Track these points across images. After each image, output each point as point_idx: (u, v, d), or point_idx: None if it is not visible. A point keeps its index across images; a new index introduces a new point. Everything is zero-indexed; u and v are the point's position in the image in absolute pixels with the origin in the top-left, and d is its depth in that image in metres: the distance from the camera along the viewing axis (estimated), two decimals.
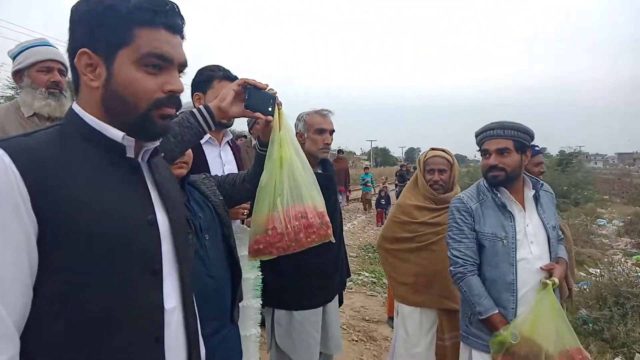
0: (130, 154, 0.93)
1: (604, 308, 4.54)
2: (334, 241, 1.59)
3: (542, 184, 2.16)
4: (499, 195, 2.06)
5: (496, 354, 1.93)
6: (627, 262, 8.98)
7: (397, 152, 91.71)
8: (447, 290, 2.50)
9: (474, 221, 2.06)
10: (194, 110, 1.40)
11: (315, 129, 2.33)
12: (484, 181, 2.14)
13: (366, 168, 17.63)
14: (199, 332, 1.10)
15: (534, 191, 2.10)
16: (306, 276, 2.24)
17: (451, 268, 2.08)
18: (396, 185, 13.42)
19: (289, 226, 1.46)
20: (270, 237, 1.47)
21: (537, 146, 2.91)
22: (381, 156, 71.97)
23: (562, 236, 2.25)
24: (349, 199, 16.26)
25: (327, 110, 2.38)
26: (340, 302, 2.63)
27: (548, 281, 1.94)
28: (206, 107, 1.40)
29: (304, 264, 2.19)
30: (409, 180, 11.61)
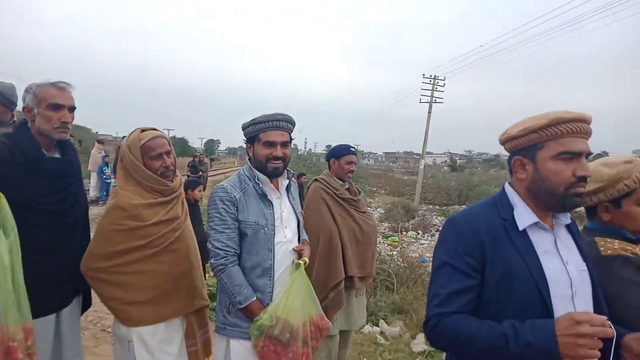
0: None
1: None
2: None
3: (293, 174, 2.28)
4: (260, 184, 2.09)
5: (257, 339, 1.97)
6: (384, 243, 10.76)
7: (197, 143, 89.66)
8: (195, 289, 2.26)
9: (237, 210, 2.04)
10: None
11: (48, 104, 1.94)
12: (247, 170, 2.15)
13: None
14: None
15: (288, 180, 2.21)
16: (32, 279, 1.85)
17: (212, 260, 2.03)
18: (188, 177, 12.98)
19: None
20: None
21: (353, 147, 3.13)
22: (180, 146, 69.13)
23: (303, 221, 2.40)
24: None
25: (65, 82, 2.00)
26: (87, 305, 2.30)
27: (300, 262, 2.08)
28: None
29: (29, 264, 1.81)
30: (202, 171, 11.23)
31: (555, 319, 1.15)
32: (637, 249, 1.53)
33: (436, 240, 1.43)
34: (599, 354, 1.11)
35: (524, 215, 1.31)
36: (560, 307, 1.23)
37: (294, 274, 2.07)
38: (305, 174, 12.45)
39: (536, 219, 1.30)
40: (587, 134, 1.30)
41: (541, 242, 1.30)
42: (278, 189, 2.17)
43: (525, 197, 1.34)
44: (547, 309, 1.23)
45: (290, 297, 2.02)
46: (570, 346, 1.09)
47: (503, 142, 1.40)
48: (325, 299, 2.86)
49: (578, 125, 1.27)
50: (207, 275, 5.36)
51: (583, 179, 1.26)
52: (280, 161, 2.06)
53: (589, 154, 1.30)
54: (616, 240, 1.54)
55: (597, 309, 1.33)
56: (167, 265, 2.13)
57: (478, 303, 1.28)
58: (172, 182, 2.22)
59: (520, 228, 1.29)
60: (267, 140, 2.05)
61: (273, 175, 2.10)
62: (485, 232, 1.29)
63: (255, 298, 2.00)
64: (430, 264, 1.40)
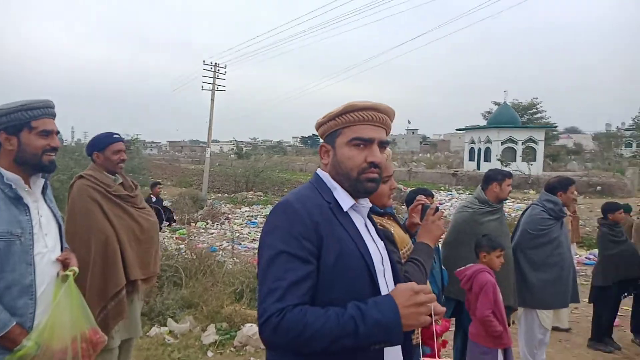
0: None
1: None
2: None
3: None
4: (12, 185, 1.74)
5: None
6: (172, 237, 10.29)
7: None
8: None
9: None
10: None
11: None
12: None
13: None
14: None
15: (44, 179, 1.91)
16: None
17: None
18: None
19: None
20: None
21: (118, 134, 2.78)
22: None
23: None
24: None
25: None
26: None
27: (69, 272, 1.83)
28: None
29: None
30: None
31: (392, 293, 1.19)
32: (384, 221, 1.82)
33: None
34: (430, 319, 1.18)
35: (344, 198, 1.35)
36: (379, 282, 1.30)
37: (60, 288, 1.80)
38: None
39: (354, 201, 1.36)
40: (382, 123, 1.38)
41: (358, 222, 1.37)
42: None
43: (336, 182, 1.37)
44: (374, 286, 1.27)
45: (59, 316, 1.75)
46: (412, 316, 1.15)
47: (317, 131, 1.44)
48: (104, 310, 2.56)
49: (370, 114, 1.35)
50: None
51: (374, 165, 1.33)
52: (55, 153, 1.85)
53: (384, 142, 1.39)
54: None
55: (397, 282, 1.45)
56: None
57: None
58: None
59: (345, 209, 1.33)
60: (44, 129, 1.82)
61: (51, 170, 1.87)
62: (318, 214, 1.27)
63: (14, 323, 1.67)
64: (259, 255, 1.15)
